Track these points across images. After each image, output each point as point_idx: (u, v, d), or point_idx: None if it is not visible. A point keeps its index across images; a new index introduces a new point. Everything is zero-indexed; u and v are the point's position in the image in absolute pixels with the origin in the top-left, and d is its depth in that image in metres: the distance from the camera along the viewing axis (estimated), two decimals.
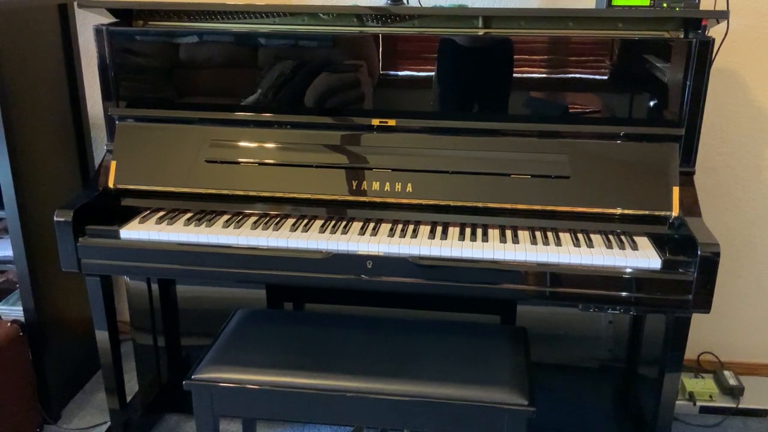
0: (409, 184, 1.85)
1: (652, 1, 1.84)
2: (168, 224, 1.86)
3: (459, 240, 1.76)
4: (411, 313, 2.16)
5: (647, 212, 1.80)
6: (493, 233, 1.82)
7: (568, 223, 1.84)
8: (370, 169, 1.87)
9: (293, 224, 1.85)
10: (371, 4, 2.21)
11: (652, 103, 1.86)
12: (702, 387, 2.40)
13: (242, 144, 1.93)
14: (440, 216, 1.87)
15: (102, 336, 1.98)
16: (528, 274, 1.70)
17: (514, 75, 1.88)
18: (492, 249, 1.72)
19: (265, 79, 1.96)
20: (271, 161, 1.91)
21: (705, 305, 1.64)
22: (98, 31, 1.96)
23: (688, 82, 1.80)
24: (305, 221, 1.87)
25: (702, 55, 1.77)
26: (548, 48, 1.86)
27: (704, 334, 2.56)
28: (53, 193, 2.26)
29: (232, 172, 1.91)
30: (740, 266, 2.49)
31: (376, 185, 1.86)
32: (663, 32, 1.88)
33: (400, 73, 1.92)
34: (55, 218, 1.80)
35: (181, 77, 2.00)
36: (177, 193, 1.94)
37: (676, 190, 1.79)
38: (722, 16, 1.78)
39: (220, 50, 1.97)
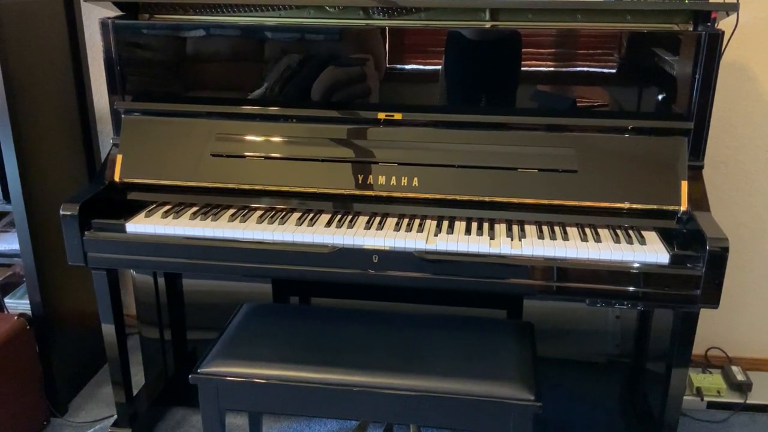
0: (416, 178, 1.84)
1: None
2: (174, 218, 1.86)
3: (465, 234, 1.75)
4: (417, 307, 2.15)
5: (655, 206, 1.78)
6: (500, 228, 1.81)
7: (576, 217, 1.83)
8: (377, 162, 1.86)
9: (299, 218, 1.85)
10: None
11: (660, 97, 1.84)
12: (710, 382, 2.39)
13: (248, 138, 1.93)
14: (447, 210, 1.86)
15: (108, 330, 1.98)
16: (535, 268, 1.69)
17: (522, 68, 1.87)
18: (498, 243, 1.71)
19: (271, 73, 1.96)
20: (277, 155, 1.90)
21: (713, 300, 1.63)
22: (104, 24, 1.96)
23: (697, 76, 1.78)
24: (311, 215, 1.87)
25: (711, 48, 1.76)
26: (556, 41, 1.85)
27: (712, 329, 2.55)
28: (59, 187, 2.27)
29: (238, 166, 1.91)
30: (749, 261, 2.48)
31: (382, 179, 1.85)
32: (672, 25, 1.86)
33: (407, 67, 1.91)
34: (62, 212, 1.80)
35: (187, 71, 2.00)
36: (183, 186, 1.94)
37: (684, 185, 1.77)
38: (732, 8, 1.76)
39: (226, 43, 1.96)
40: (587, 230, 1.79)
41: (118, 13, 2.03)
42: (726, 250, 1.59)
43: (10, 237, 2.26)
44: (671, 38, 1.80)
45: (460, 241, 1.72)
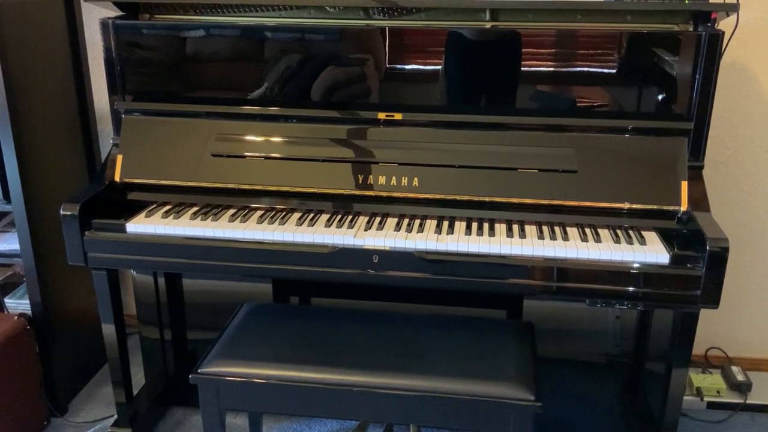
0: (416, 179, 1.84)
1: None
2: (174, 218, 1.86)
3: (465, 234, 1.75)
4: (417, 307, 2.15)
5: (655, 207, 1.78)
6: (500, 228, 1.81)
7: (576, 217, 1.83)
8: (377, 163, 1.86)
9: (299, 218, 1.85)
10: None
11: (660, 97, 1.84)
12: (709, 382, 2.39)
13: (248, 138, 1.93)
14: (447, 210, 1.86)
15: (108, 329, 1.98)
16: (535, 268, 1.69)
17: (522, 68, 1.87)
18: (499, 244, 1.71)
19: (272, 73, 1.96)
20: (278, 155, 1.90)
21: (713, 301, 1.63)
22: (104, 24, 1.96)
23: (697, 76, 1.78)
24: (311, 215, 1.87)
25: (711, 49, 1.76)
26: (556, 41, 1.85)
27: (712, 329, 2.55)
28: (60, 187, 2.27)
29: (238, 166, 1.91)
30: (749, 261, 2.48)
31: (382, 179, 1.85)
32: (672, 25, 1.86)
33: (407, 67, 1.91)
34: (62, 212, 1.80)
35: (187, 71, 2.00)
36: (183, 187, 1.94)
37: (684, 185, 1.77)
38: (732, 8, 1.76)
39: (226, 44, 1.96)
40: (587, 230, 1.79)
41: (119, 13, 2.03)
42: (726, 250, 1.59)
43: (10, 237, 2.26)
44: (671, 38, 1.80)
45: (460, 241, 1.72)
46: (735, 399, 2.38)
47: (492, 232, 1.78)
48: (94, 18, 2.39)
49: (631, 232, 1.78)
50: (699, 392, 2.38)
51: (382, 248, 1.72)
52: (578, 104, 1.88)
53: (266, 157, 1.91)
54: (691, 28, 1.84)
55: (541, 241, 1.72)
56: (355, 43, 1.91)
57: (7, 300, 2.37)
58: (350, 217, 1.86)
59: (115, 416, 2.16)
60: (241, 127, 1.94)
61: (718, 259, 1.60)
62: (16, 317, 2.19)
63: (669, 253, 1.66)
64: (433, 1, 1.91)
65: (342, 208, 1.90)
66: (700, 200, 1.76)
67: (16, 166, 2.06)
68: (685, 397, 2.28)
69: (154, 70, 2.00)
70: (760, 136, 2.34)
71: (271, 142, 1.92)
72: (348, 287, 2.18)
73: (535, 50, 1.85)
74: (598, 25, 1.88)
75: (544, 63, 1.86)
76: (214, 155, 1.92)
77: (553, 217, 1.83)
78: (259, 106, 1.97)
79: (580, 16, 1.87)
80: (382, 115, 1.91)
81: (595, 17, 1.87)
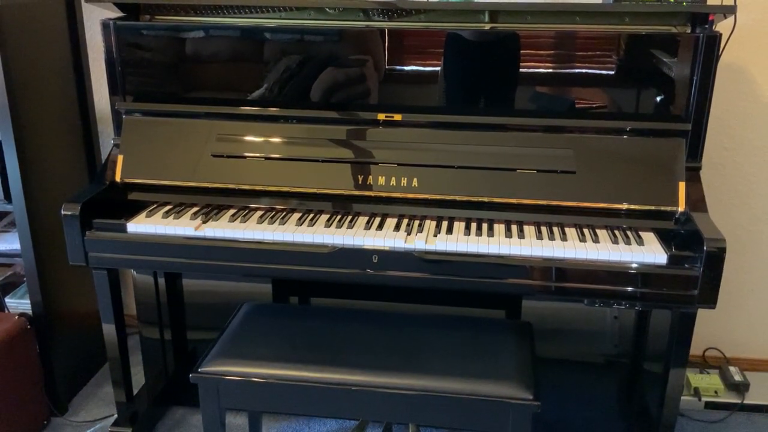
0: (415, 179, 1.85)
1: None
2: (175, 218, 1.87)
3: (464, 235, 1.76)
4: (416, 307, 2.16)
5: (653, 207, 1.79)
6: (499, 228, 1.82)
7: (574, 218, 1.83)
8: (376, 163, 1.87)
9: (299, 218, 1.86)
10: None
11: (658, 98, 1.85)
12: (707, 383, 2.40)
13: (248, 138, 1.94)
14: (446, 211, 1.87)
15: (109, 329, 1.99)
16: (533, 268, 1.70)
17: (521, 69, 1.87)
18: (497, 244, 1.72)
19: (271, 74, 1.96)
20: (277, 155, 1.91)
21: (711, 301, 1.64)
22: (105, 25, 1.97)
23: (695, 77, 1.79)
24: (311, 215, 1.88)
25: (709, 50, 1.77)
26: (554, 43, 1.86)
27: (710, 329, 2.56)
28: (60, 187, 2.27)
29: (239, 167, 1.92)
30: (746, 262, 2.49)
31: (381, 180, 1.86)
32: (670, 27, 1.87)
33: (406, 68, 1.92)
34: (63, 212, 1.81)
35: (187, 71, 2.01)
36: (183, 187, 1.95)
37: (682, 186, 1.78)
38: (729, 10, 1.77)
39: (227, 45, 1.97)
40: (585, 231, 1.80)
41: (119, 14, 2.04)
42: (723, 250, 1.60)
43: (11, 237, 2.26)
44: (669, 40, 1.81)
45: (459, 241, 1.73)
46: (733, 399, 2.38)
47: (491, 232, 1.79)
48: (94, 19, 2.40)
49: (629, 233, 1.79)
50: (697, 392, 2.38)
51: (382, 248, 1.73)
52: (577, 105, 1.89)
53: (266, 158, 1.91)
54: (688, 30, 1.85)
55: (539, 241, 1.73)
56: (355, 45, 1.92)
57: (7, 300, 2.38)
58: (350, 217, 1.86)
59: (116, 416, 2.16)
60: (241, 128, 1.95)
61: (716, 260, 1.60)
62: (16, 317, 2.19)
63: (667, 253, 1.67)
64: (432, 2, 1.92)
65: (342, 208, 1.91)
66: (697, 201, 1.77)
67: (17, 166, 2.07)
68: (682, 397, 2.30)
69: (154, 71, 2.01)
70: (758, 138, 2.35)
71: (271, 142, 1.93)
72: (348, 287, 2.19)
73: (533, 52, 1.86)
74: (597, 27, 1.89)
75: (542, 64, 1.87)
76: (214, 155, 1.93)
77: (551, 218, 1.84)
78: (259, 106, 1.98)
79: (579, 18, 1.89)
80: (381, 116, 1.91)
81: (594, 19, 1.88)
